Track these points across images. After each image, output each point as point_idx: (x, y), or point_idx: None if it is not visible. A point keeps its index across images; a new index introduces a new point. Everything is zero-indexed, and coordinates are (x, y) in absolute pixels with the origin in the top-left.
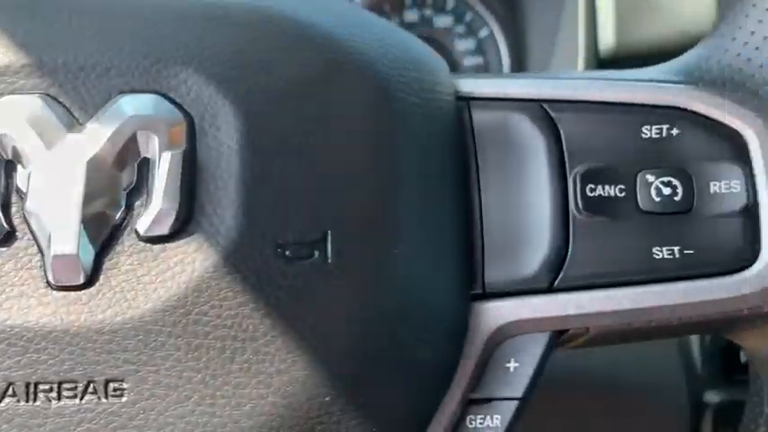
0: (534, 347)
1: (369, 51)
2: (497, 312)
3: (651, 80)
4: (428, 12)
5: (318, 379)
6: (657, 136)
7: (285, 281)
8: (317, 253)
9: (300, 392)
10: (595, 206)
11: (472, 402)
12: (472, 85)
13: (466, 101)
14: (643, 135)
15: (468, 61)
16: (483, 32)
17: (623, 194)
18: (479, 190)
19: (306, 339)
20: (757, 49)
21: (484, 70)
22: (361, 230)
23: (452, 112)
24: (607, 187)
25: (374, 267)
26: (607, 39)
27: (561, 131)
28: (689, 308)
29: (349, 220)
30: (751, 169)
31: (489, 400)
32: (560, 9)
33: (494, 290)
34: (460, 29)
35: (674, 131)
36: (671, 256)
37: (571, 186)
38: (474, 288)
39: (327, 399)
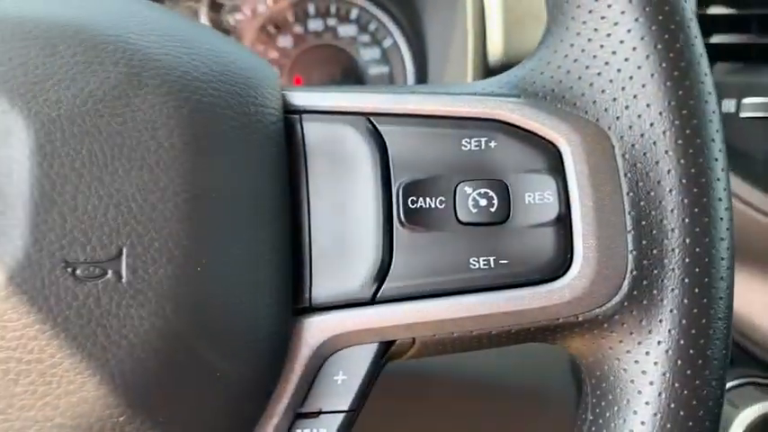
0: (362, 359)
1: (175, 64)
2: (323, 326)
3: (476, 93)
4: (332, 21)
5: (110, 399)
6: (477, 148)
7: (75, 301)
8: (110, 272)
9: (90, 413)
10: (417, 218)
11: (300, 416)
12: (303, 98)
13: (298, 114)
14: (463, 147)
15: (374, 70)
16: (387, 42)
17: (443, 206)
18: (308, 204)
19: (96, 360)
20: (576, 61)
21: (389, 79)
22: (160, 248)
23: (279, 125)
24: (428, 199)
25: (172, 286)
26: (495, 50)
27: (387, 144)
28: (505, 317)
29: (146, 238)
30: (565, 180)
31: (318, 413)
32: (454, 21)
33: (320, 303)
34: (365, 38)
35: (493, 144)
36: (487, 266)
37: (395, 199)
38: (300, 302)
39: (122, 419)
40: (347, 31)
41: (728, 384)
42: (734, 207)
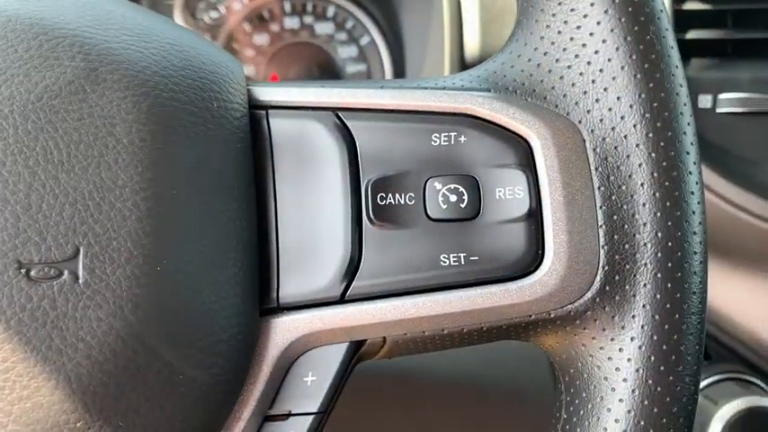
0: (332, 360)
1: (135, 58)
2: (291, 326)
3: (446, 88)
4: (309, 19)
5: (66, 404)
6: (446, 143)
7: (29, 303)
8: (66, 272)
9: (45, 419)
10: (386, 215)
11: (269, 419)
12: (270, 94)
13: (264, 109)
14: (433, 142)
15: (351, 68)
16: (364, 40)
17: (413, 202)
18: (275, 201)
19: (52, 363)
20: (546, 54)
21: (367, 77)
22: (118, 248)
23: (243, 120)
24: (398, 196)
25: (131, 286)
26: (472, 47)
27: (356, 139)
28: (476, 314)
29: (104, 238)
30: (535, 175)
31: (287, 415)
32: (431, 18)
33: (288, 303)
34: (342, 36)
35: (462, 138)
36: (457, 263)
37: (364, 195)
38: (267, 302)
39: (79, 424)
40: (324, 28)
41: (708, 380)
42: (711, 203)
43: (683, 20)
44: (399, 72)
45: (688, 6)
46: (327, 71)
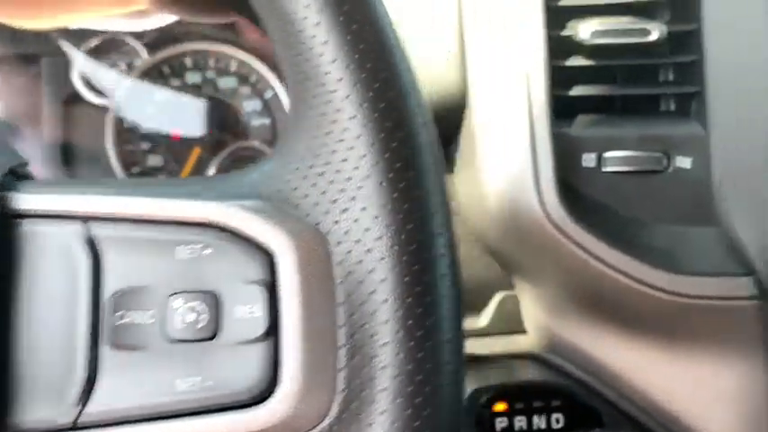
0: None
1: None
2: None
3: (200, 195)
4: (211, 74)
5: None
6: (191, 256)
7: None
8: None
9: None
10: (125, 335)
11: None
12: (23, 201)
13: (16, 218)
14: (177, 255)
15: (256, 122)
16: (268, 93)
17: (153, 321)
18: (13, 319)
19: None
20: (303, 159)
21: (272, 130)
22: None
23: None
24: (139, 313)
25: None
26: None
27: (101, 252)
28: None
29: None
30: (276, 292)
31: None
32: None
33: (22, 431)
34: (246, 90)
35: (207, 251)
36: (192, 388)
37: (103, 313)
38: (1, 430)
39: None
40: (227, 83)
41: None
42: (595, 268)
43: (567, 76)
44: None
45: (571, 63)
46: (232, 126)
